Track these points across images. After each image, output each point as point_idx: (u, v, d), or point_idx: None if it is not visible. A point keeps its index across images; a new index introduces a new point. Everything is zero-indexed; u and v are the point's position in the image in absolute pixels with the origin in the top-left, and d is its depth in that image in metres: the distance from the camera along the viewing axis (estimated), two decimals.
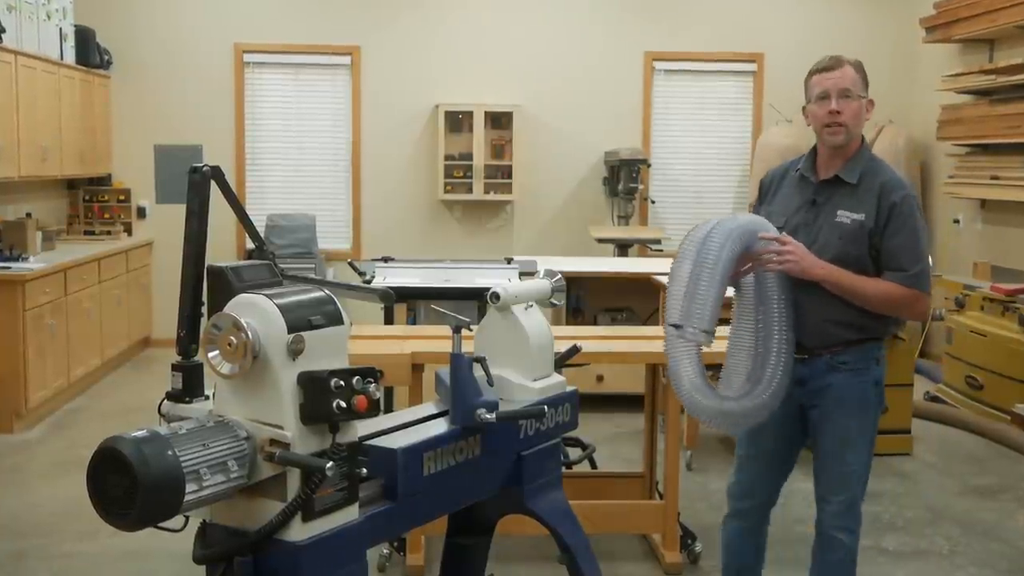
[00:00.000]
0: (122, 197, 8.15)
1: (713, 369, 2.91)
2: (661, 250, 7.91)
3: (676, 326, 2.66)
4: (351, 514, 1.97)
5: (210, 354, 1.89)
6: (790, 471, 3.07)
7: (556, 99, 8.40)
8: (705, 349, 2.73)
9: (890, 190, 2.78)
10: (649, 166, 8.22)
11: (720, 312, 2.67)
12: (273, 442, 1.85)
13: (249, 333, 1.83)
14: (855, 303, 2.78)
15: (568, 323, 5.94)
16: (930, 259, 2.91)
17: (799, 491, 4.80)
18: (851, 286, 2.76)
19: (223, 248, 7.82)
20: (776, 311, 2.76)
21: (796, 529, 4.28)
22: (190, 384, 2.11)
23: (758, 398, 2.76)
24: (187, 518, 1.89)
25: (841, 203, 2.82)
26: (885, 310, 2.82)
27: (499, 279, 4.81)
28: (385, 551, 3.88)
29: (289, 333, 1.87)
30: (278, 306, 1.88)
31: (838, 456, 2.88)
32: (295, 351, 1.87)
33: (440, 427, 2.29)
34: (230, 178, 2.54)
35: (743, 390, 2.78)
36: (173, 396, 2.11)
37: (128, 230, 8.08)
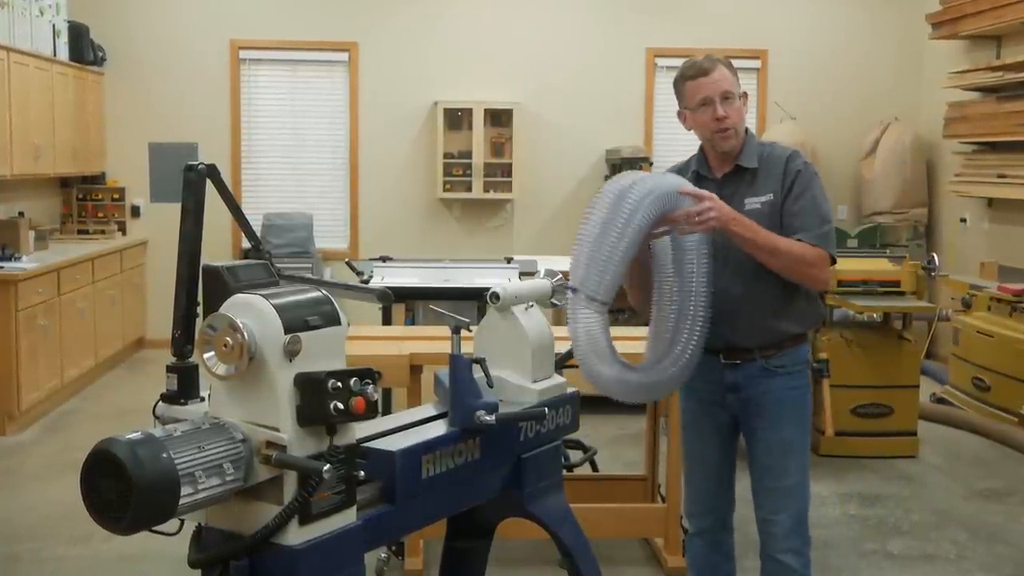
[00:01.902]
0: (116, 196, 8.10)
1: None
2: None
3: (572, 289, 2.51)
4: (349, 517, 1.95)
5: (205, 355, 1.87)
6: (735, 470, 2.96)
7: (557, 96, 8.36)
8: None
9: (789, 162, 2.75)
10: (651, 164, 8.16)
11: (619, 281, 2.53)
12: (269, 444, 1.83)
13: (245, 334, 1.81)
14: (765, 261, 2.67)
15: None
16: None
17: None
18: (767, 240, 2.64)
19: (219, 247, 7.78)
20: (692, 277, 2.63)
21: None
22: (185, 385, 2.09)
23: (664, 371, 2.64)
24: (182, 521, 1.88)
25: (747, 192, 2.76)
26: (794, 271, 2.69)
27: (499, 279, 4.78)
28: (383, 555, 3.86)
29: (286, 334, 1.85)
30: (275, 306, 1.86)
31: (780, 469, 2.77)
32: (292, 352, 1.85)
33: (439, 429, 2.27)
34: (226, 176, 2.55)
35: (650, 360, 2.66)
36: (168, 398, 2.09)
37: (122, 229, 8.04)
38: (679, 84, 2.80)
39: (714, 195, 2.62)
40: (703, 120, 2.75)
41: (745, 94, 2.81)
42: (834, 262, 2.75)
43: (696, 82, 2.74)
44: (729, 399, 2.80)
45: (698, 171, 2.86)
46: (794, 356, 2.80)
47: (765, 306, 2.73)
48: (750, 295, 2.72)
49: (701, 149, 2.88)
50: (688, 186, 2.63)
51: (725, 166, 2.81)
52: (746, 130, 2.83)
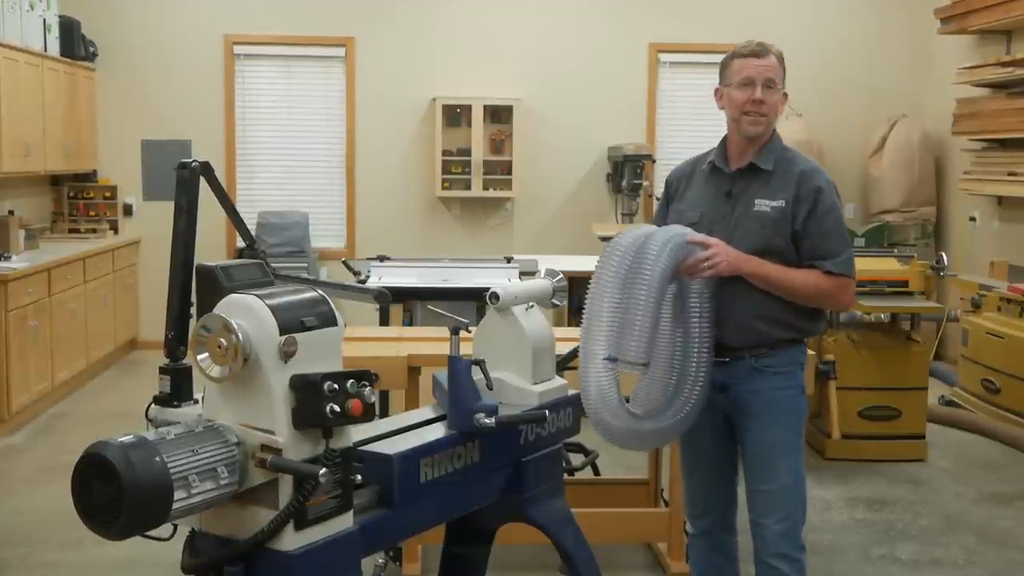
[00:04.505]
0: (108, 194, 8.01)
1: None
2: None
3: (611, 359, 2.53)
4: (345, 522, 1.94)
5: (199, 356, 1.88)
6: (736, 473, 2.93)
7: (558, 92, 8.31)
8: None
9: (810, 177, 2.72)
10: (654, 162, 8.15)
11: (655, 336, 2.55)
12: (264, 448, 1.82)
13: (239, 335, 1.82)
14: (782, 296, 2.69)
15: (570, 324, 5.86)
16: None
17: (809, 498, 4.74)
18: (779, 279, 2.67)
19: (213, 247, 7.67)
20: (696, 321, 2.64)
21: (808, 538, 4.19)
22: (178, 387, 2.10)
23: (672, 418, 2.65)
24: (175, 526, 1.88)
25: (758, 192, 2.73)
26: (814, 302, 2.74)
27: (499, 279, 4.76)
28: (380, 560, 3.84)
29: (281, 335, 1.85)
30: (269, 307, 1.87)
31: (768, 471, 2.74)
32: (287, 353, 1.84)
33: (437, 432, 2.28)
34: (220, 174, 2.54)
35: (657, 407, 2.65)
36: (161, 400, 2.10)
37: (114, 228, 7.95)
38: (728, 61, 2.79)
39: (720, 241, 2.64)
40: (738, 98, 2.73)
41: (786, 94, 2.78)
42: (855, 280, 2.77)
43: (745, 60, 2.74)
44: (718, 398, 2.75)
45: (714, 162, 2.83)
46: (786, 356, 2.75)
47: (757, 311, 2.70)
48: (743, 299, 2.68)
49: (723, 142, 2.85)
50: (695, 235, 2.64)
51: (742, 160, 2.78)
52: (773, 131, 2.80)
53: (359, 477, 1.98)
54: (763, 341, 2.72)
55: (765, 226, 2.68)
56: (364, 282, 5.01)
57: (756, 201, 2.72)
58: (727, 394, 2.74)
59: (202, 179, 2.28)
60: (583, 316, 2.61)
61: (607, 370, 2.52)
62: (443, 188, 8.16)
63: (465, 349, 2.33)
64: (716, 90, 2.82)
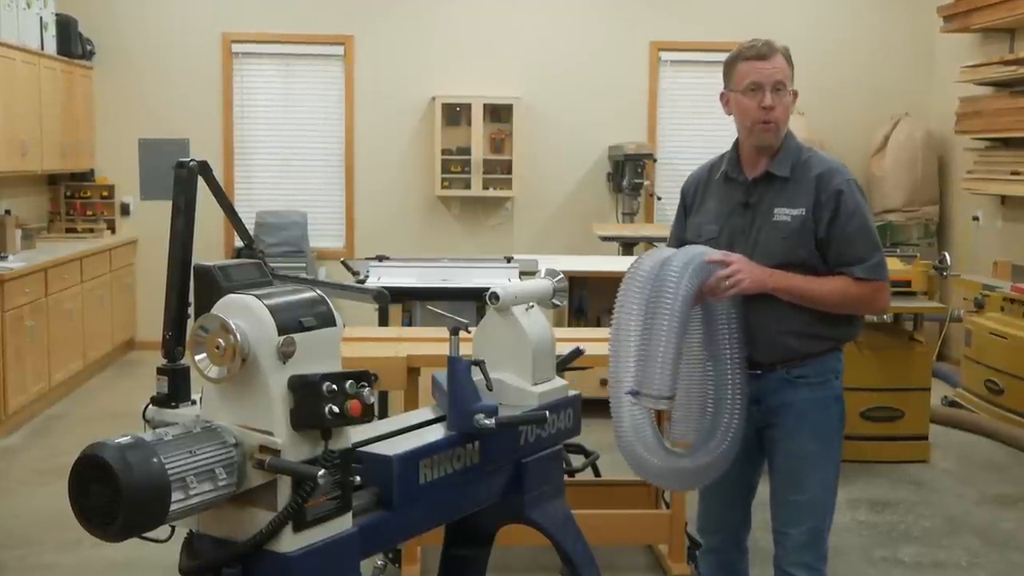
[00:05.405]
0: (105, 193, 8.00)
1: None
2: None
3: (634, 393, 2.45)
4: (344, 524, 1.94)
5: (197, 357, 1.87)
6: (755, 489, 2.88)
7: (558, 91, 8.29)
8: None
9: (828, 179, 2.59)
10: (655, 161, 8.13)
11: (679, 368, 2.47)
12: (263, 449, 1.82)
13: (238, 335, 1.81)
14: (811, 307, 2.59)
15: (570, 324, 5.88)
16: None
17: None
18: (806, 291, 2.57)
19: (211, 246, 7.68)
20: (727, 345, 2.57)
21: None
22: (176, 388, 2.08)
23: (714, 452, 2.57)
24: (173, 528, 1.88)
25: (776, 200, 2.61)
26: (844, 309, 2.64)
27: (498, 279, 4.73)
28: (379, 562, 3.83)
29: (279, 335, 1.84)
30: (268, 307, 1.86)
31: (796, 483, 2.67)
32: (286, 354, 1.84)
33: (437, 433, 2.27)
34: (218, 173, 2.51)
35: (695, 441, 2.58)
36: (158, 401, 2.09)
37: (111, 228, 7.94)
38: (732, 63, 2.67)
39: (741, 257, 2.55)
40: (747, 106, 2.62)
41: (796, 92, 2.66)
42: (888, 282, 2.66)
43: (751, 64, 2.61)
44: (752, 411, 2.68)
45: (727, 172, 2.73)
46: (819, 366, 2.66)
47: (787, 327, 2.61)
48: (771, 315, 2.60)
49: (735, 147, 2.75)
50: (713, 253, 2.55)
51: (757, 168, 2.68)
52: (788, 133, 2.69)
53: (358, 478, 1.97)
54: (795, 356, 2.64)
55: (787, 236, 2.58)
56: (363, 282, 4.99)
57: (775, 210, 2.61)
58: (760, 406, 2.67)
59: (200, 178, 2.26)
60: (609, 346, 2.54)
61: (636, 404, 2.44)
62: (442, 187, 8.14)
63: (465, 349, 2.32)
64: (721, 95, 2.70)
